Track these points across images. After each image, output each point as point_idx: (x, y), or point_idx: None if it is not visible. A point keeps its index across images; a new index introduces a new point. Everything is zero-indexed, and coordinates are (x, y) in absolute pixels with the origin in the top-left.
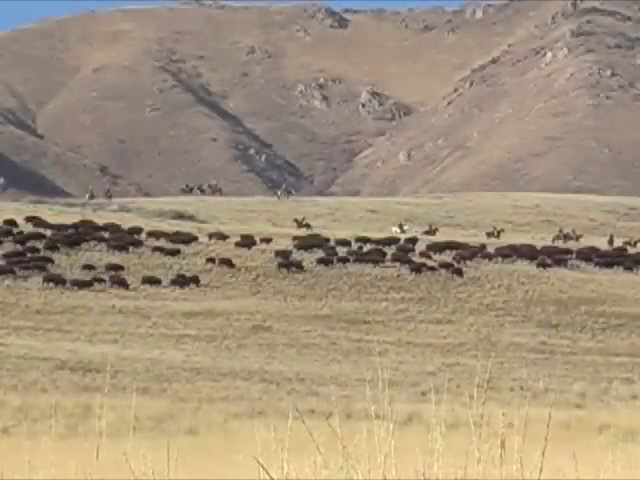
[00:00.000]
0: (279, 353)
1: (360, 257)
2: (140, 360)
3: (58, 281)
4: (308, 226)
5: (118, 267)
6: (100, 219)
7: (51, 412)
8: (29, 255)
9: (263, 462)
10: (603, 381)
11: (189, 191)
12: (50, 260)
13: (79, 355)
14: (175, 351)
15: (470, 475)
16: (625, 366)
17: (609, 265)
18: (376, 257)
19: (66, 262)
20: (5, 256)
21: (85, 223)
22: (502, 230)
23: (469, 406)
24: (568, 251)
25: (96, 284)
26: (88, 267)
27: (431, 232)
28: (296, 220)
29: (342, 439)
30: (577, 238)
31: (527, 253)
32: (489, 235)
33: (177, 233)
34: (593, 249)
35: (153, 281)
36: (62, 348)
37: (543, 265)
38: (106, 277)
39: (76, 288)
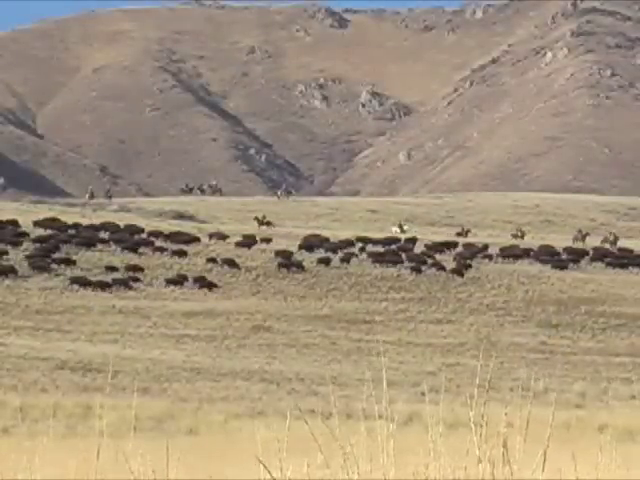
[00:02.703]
0: (279, 353)
1: (378, 258)
2: (140, 360)
3: (84, 283)
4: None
5: (138, 268)
6: (101, 219)
7: (51, 412)
8: (54, 256)
9: (262, 462)
10: (603, 381)
11: (189, 191)
12: (72, 262)
13: (79, 355)
14: (175, 351)
15: (471, 475)
16: (625, 366)
17: (624, 267)
18: (393, 258)
19: (85, 263)
20: (28, 257)
21: (107, 224)
22: (524, 232)
23: (469, 406)
24: (585, 252)
25: (117, 285)
26: (110, 268)
27: (463, 234)
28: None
29: (342, 439)
30: (615, 241)
31: (544, 254)
32: (514, 236)
33: (178, 233)
34: (607, 250)
35: (176, 282)
36: (62, 348)
37: (561, 267)
38: (124, 277)
39: (90, 289)
